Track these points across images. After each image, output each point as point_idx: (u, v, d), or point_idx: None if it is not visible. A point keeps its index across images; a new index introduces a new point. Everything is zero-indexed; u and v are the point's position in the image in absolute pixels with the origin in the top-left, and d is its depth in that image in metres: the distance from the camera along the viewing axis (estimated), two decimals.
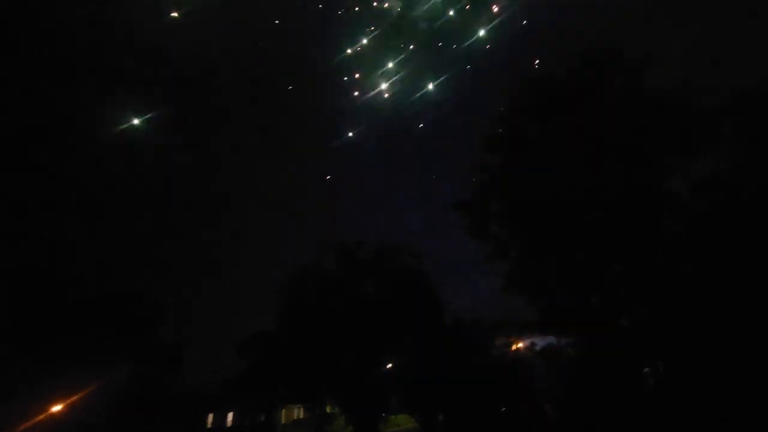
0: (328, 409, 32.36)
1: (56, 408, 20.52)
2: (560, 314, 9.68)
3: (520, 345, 13.52)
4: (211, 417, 31.40)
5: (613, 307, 8.76)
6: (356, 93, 35.08)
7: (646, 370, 9.65)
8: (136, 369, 26.15)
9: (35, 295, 21.02)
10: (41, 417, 19.82)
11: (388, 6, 31.98)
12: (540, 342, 11.61)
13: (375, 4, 31.09)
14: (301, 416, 34.73)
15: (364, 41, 31.09)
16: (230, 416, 32.48)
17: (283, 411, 33.33)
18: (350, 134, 36.71)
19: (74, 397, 20.61)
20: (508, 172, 10.12)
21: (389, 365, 11.85)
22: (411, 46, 31.84)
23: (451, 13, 30.88)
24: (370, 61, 32.32)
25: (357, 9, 31.81)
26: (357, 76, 34.18)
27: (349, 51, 31.97)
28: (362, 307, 11.76)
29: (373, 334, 11.71)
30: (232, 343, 33.47)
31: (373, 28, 31.83)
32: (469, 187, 11.28)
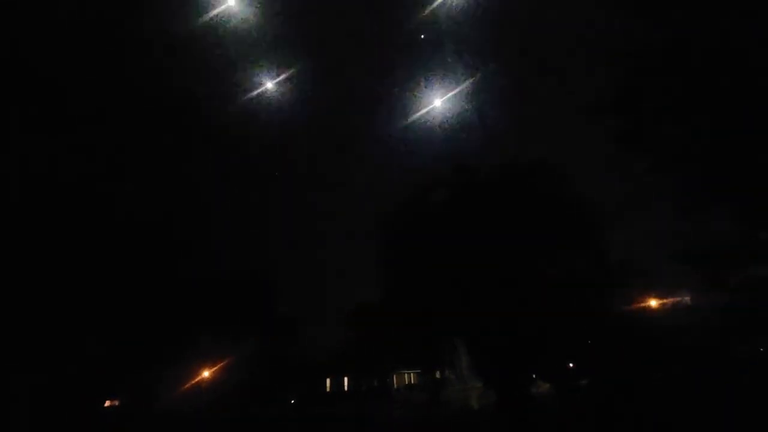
0: (438, 375, 32.65)
1: (206, 374, 23.81)
2: None
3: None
4: (328, 381, 33.80)
5: None
6: None
7: None
8: (260, 341, 29.04)
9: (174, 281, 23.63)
10: (196, 380, 23.25)
11: None
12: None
13: None
14: (413, 381, 35.64)
15: None
16: (346, 381, 34.57)
17: (395, 376, 34.46)
18: None
19: (219, 365, 23.51)
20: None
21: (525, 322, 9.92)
22: None
23: None
24: None
25: None
26: None
27: None
28: (487, 249, 9.67)
29: (504, 284, 9.90)
30: (340, 313, 35.31)
31: None
32: (608, 88, 8.89)
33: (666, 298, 12.18)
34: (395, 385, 34.73)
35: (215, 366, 24.28)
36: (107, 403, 20.24)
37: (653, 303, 12.55)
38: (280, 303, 31.34)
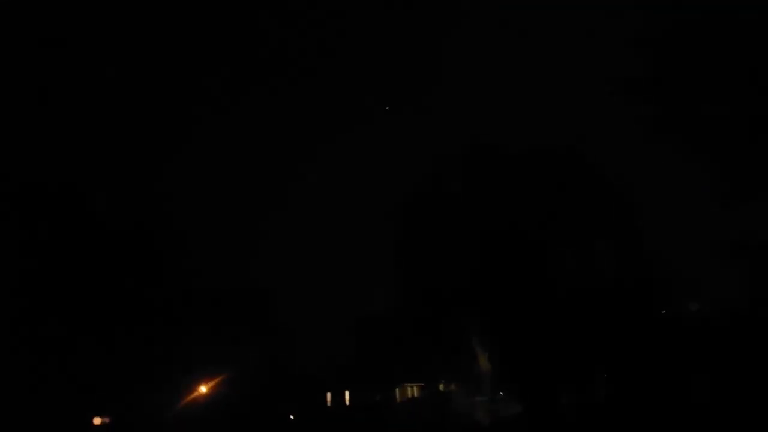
0: (441, 387, 31.68)
1: (202, 389, 22.70)
2: None
3: None
4: (329, 396, 32.61)
5: None
6: None
7: None
8: (259, 354, 28.05)
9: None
10: (191, 396, 22.14)
11: None
12: None
13: None
14: (416, 395, 34.54)
15: None
16: (347, 395, 33.42)
17: (398, 390, 33.36)
18: None
19: (216, 380, 22.54)
20: None
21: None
22: None
23: None
24: None
25: None
26: None
27: None
28: (509, 244, 8.98)
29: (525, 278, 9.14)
30: (342, 325, 34.40)
31: None
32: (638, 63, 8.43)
33: (705, 297, 11.54)
34: (398, 399, 33.60)
35: (211, 381, 23.25)
36: (97, 421, 19.13)
37: (691, 304, 11.82)
38: (281, 315, 30.50)
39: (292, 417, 29.38)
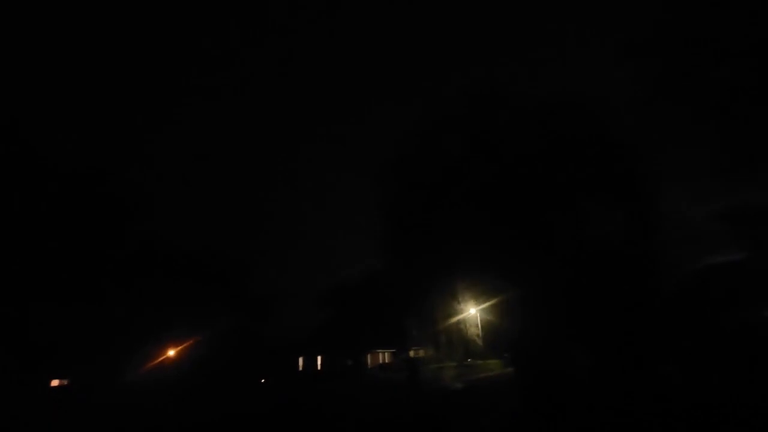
0: (411, 354, 32.59)
1: (171, 353, 22.34)
2: None
3: None
4: (301, 360, 32.99)
5: None
6: None
7: None
8: (230, 318, 27.77)
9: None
10: (163, 358, 21.85)
11: None
12: None
13: None
14: (386, 360, 35.46)
15: None
16: (319, 360, 33.93)
17: (369, 355, 34.10)
18: None
19: (184, 344, 22.19)
20: None
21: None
22: None
23: None
24: None
25: None
26: None
27: None
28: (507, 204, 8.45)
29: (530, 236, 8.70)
30: (316, 294, 34.41)
31: None
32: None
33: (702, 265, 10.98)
34: (369, 365, 34.42)
35: (183, 344, 22.91)
36: (55, 383, 18.52)
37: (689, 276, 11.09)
38: (254, 281, 30.13)
39: (263, 381, 29.60)
